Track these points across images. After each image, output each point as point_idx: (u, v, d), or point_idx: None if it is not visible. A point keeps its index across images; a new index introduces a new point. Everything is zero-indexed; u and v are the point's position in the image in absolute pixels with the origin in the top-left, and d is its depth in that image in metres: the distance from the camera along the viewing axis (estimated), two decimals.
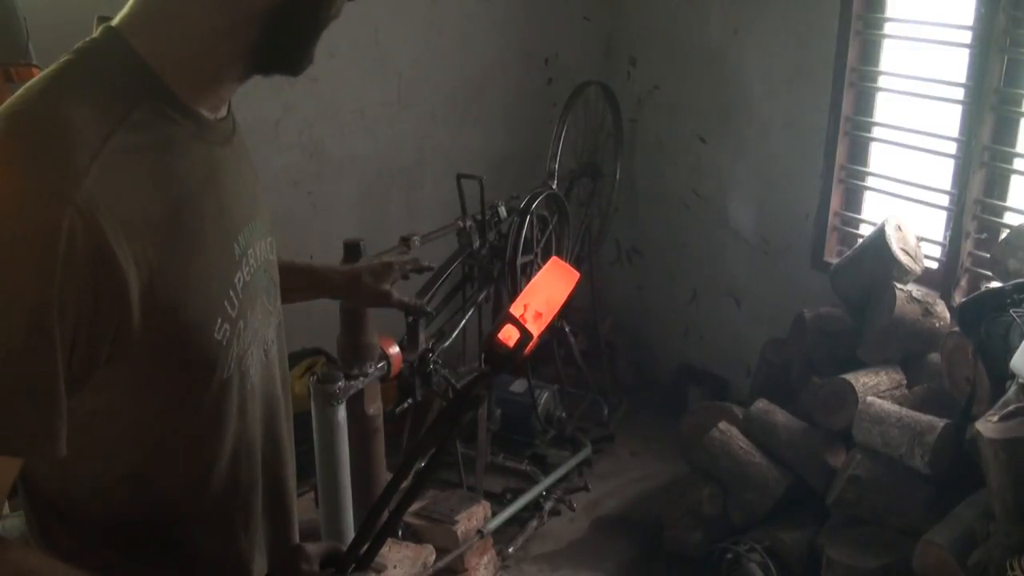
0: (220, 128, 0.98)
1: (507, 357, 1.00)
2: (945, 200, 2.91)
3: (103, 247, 0.80)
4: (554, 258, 1.13)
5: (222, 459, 1.00)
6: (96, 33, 0.90)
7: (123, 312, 0.84)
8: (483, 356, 1.02)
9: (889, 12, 2.99)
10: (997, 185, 2.79)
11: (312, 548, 1.04)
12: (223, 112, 1.00)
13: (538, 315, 1.02)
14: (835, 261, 3.09)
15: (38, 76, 0.87)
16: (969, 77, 2.75)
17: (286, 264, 1.26)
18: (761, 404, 2.91)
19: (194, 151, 0.93)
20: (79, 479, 0.94)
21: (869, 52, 3.05)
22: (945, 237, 2.91)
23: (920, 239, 2.91)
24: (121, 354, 0.85)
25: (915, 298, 2.77)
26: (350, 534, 2.31)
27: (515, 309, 1.01)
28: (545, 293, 1.04)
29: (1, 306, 0.78)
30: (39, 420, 0.81)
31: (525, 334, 0.99)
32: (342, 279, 1.58)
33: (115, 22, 0.90)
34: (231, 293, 0.96)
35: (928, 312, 2.76)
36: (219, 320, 0.94)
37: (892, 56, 3.02)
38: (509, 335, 0.99)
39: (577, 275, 1.10)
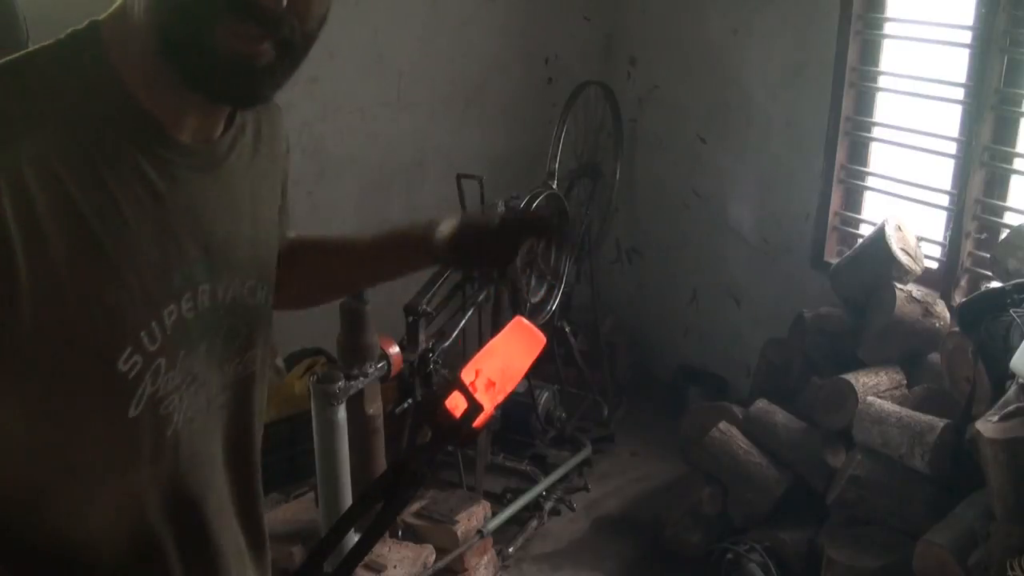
0: (200, 151, 0.91)
1: (453, 429, 0.88)
2: (945, 200, 2.91)
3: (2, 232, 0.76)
4: (517, 318, 0.99)
5: (122, 509, 0.90)
6: (82, 25, 0.88)
7: (9, 312, 0.77)
8: (428, 426, 0.90)
9: (889, 12, 2.99)
10: (997, 185, 2.79)
11: None
12: (215, 133, 0.93)
13: (491, 384, 0.90)
14: (835, 261, 3.09)
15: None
16: (969, 77, 2.75)
17: (350, 241, 1.23)
18: (761, 404, 2.91)
19: (145, 167, 0.85)
20: None
21: (869, 52, 3.05)
22: (945, 237, 2.91)
23: (920, 239, 2.91)
24: (5, 362, 0.79)
25: (915, 298, 2.77)
26: (350, 534, 2.31)
27: (466, 374, 0.89)
28: (502, 359, 0.92)
29: None
30: None
31: (474, 405, 0.87)
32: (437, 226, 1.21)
33: (103, 15, 0.87)
34: (153, 325, 0.86)
35: (928, 312, 2.76)
36: (128, 350, 0.85)
37: (892, 56, 3.02)
38: (456, 404, 0.88)
39: (543, 340, 0.97)
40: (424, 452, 0.91)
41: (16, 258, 0.77)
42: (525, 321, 0.99)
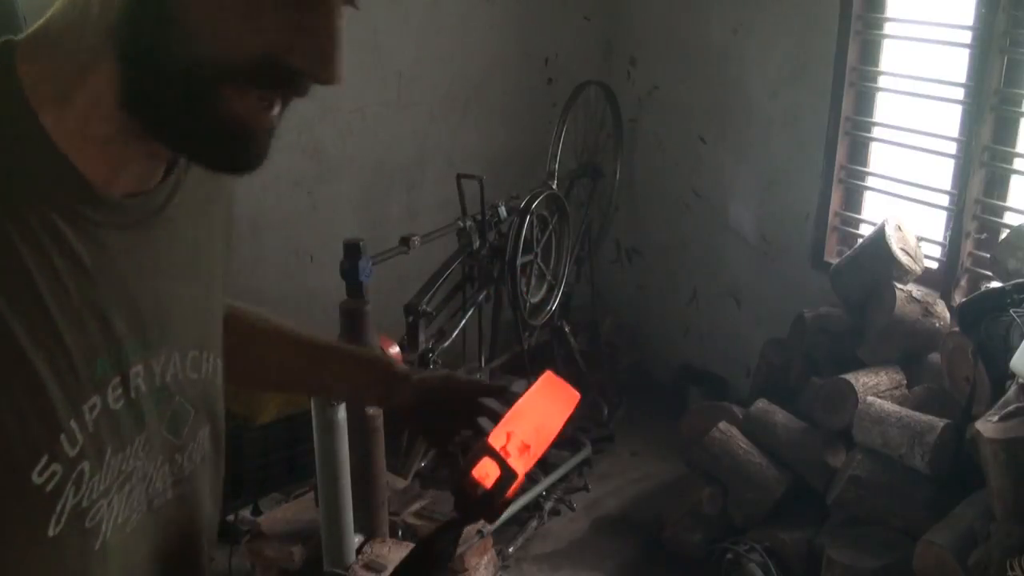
0: (133, 207, 0.74)
1: (484, 501, 0.77)
2: (945, 200, 2.91)
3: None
4: (548, 373, 0.90)
5: None
6: None
7: None
8: (454, 499, 0.79)
9: (889, 12, 2.99)
10: (997, 185, 2.79)
11: None
12: (154, 182, 0.76)
13: (525, 447, 0.78)
14: (835, 261, 3.09)
15: None
16: (969, 77, 2.75)
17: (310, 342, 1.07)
18: (761, 404, 2.91)
19: (67, 234, 0.68)
20: None
21: (869, 52, 3.05)
22: (945, 237, 2.91)
23: (920, 239, 2.91)
24: None
25: (915, 298, 2.77)
26: (350, 534, 2.31)
27: (495, 439, 0.78)
28: (536, 418, 0.81)
29: None
30: None
31: (507, 472, 0.77)
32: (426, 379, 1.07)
33: (20, 36, 0.70)
34: (72, 424, 0.70)
35: (928, 312, 2.76)
36: (43, 459, 0.68)
37: (892, 56, 3.02)
38: (486, 472, 0.77)
39: (578, 396, 0.88)
40: (450, 531, 0.82)
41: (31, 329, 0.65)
42: (556, 376, 0.89)
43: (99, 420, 0.72)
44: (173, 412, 0.81)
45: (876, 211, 3.15)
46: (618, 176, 3.71)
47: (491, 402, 0.94)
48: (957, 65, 2.80)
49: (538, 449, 0.80)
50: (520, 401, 0.82)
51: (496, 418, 0.89)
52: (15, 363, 0.66)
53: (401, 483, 2.81)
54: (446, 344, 2.62)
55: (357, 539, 2.36)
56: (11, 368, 0.66)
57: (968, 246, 2.83)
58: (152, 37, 0.64)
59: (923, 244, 2.91)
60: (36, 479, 0.68)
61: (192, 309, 0.83)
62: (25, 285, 0.66)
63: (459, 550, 2.59)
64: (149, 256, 0.77)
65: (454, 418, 0.99)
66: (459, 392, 1.01)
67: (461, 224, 2.70)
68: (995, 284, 2.55)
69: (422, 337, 2.46)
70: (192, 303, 0.83)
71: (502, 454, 0.78)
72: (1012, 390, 2.19)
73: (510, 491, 0.78)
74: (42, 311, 0.67)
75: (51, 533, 0.70)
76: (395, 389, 1.02)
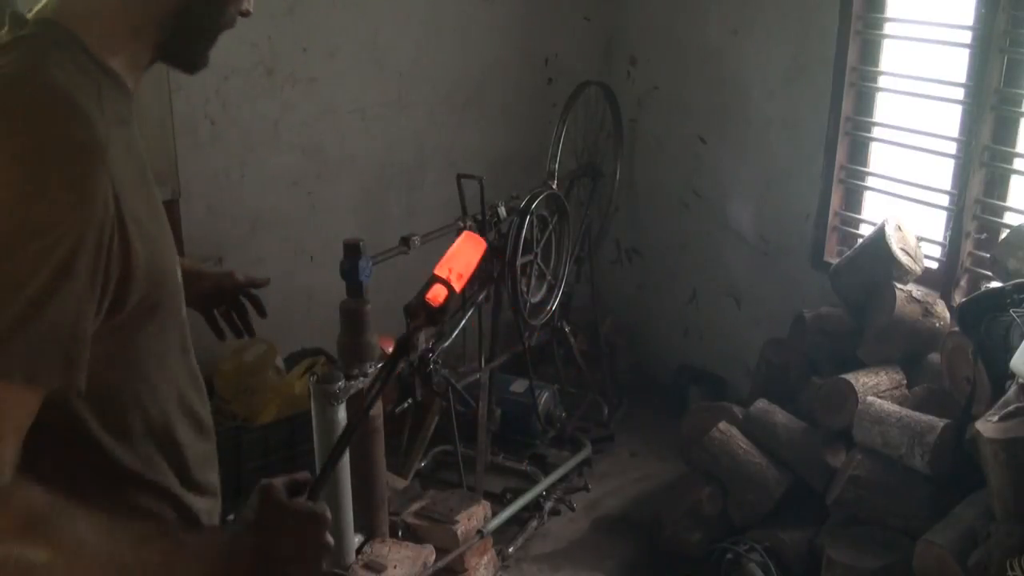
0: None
1: (439, 311, 1.14)
2: (945, 200, 2.91)
3: (118, 206, 0.91)
4: (466, 232, 1.25)
5: (177, 392, 1.11)
6: (33, 27, 0.98)
7: (127, 263, 0.93)
8: (410, 312, 1.14)
9: (889, 12, 2.99)
10: (997, 185, 2.79)
11: (278, 481, 1.08)
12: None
13: (460, 276, 1.15)
14: (835, 261, 3.09)
15: (17, 56, 0.94)
16: (969, 77, 2.75)
17: None
18: (761, 404, 2.91)
19: (134, 125, 1.04)
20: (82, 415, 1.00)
21: (869, 52, 3.05)
22: (945, 237, 2.91)
23: (920, 239, 2.91)
24: (119, 303, 0.94)
25: (915, 298, 2.77)
26: (350, 534, 2.31)
27: (440, 271, 1.15)
28: (464, 259, 1.17)
29: (43, 242, 0.84)
30: (68, 355, 0.87)
31: (452, 292, 1.14)
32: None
33: (49, 15, 0.99)
34: (177, 268, 1.08)
35: (928, 312, 2.76)
36: (176, 265, 1.07)
37: (892, 56, 3.02)
38: (438, 294, 1.13)
39: (484, 244, 1.23)
40: (415, 330, 1.15)
41: (134, 243, 0.93)
42: (472, 232, 1.24)
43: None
44: None
45: (876, 211, 3.15)
46: (618, 176, 3.71)
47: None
48: (957, 65, 2.80)
49: (466, 277, 1.17)
50: (452, 248, 1.19)
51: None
52: (155, 200, 1.03)
53: (401, 483, 2.81)
54: (446, 344, 2.62)
55: (357, 539, 2.37)
56: (155, 204, 1.03)
57: (968, 246, 2.83)
58: None
59: (923, 244, 2.91)
60: (179, 279, 1.08)
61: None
62: (139, 153, 1.02)
63: (459, 550, 2.59)
64: (137, 147, 1.06)
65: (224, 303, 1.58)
66: (229, 287, 1.56)
67: (461, 224, 2.70)
68: (995, 284, 2.55)
69: (422, 337, 2.45)
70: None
71: (448, 281, 1.13)
72: (1012, 390, 2.19)
73: (453, 303, 1.15)
74: (148, 167, 1.04)
75: (183, 314, 1.12)
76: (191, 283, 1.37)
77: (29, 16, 1.00)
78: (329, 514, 1.08)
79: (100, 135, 0.91)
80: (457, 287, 1.15)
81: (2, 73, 0.92)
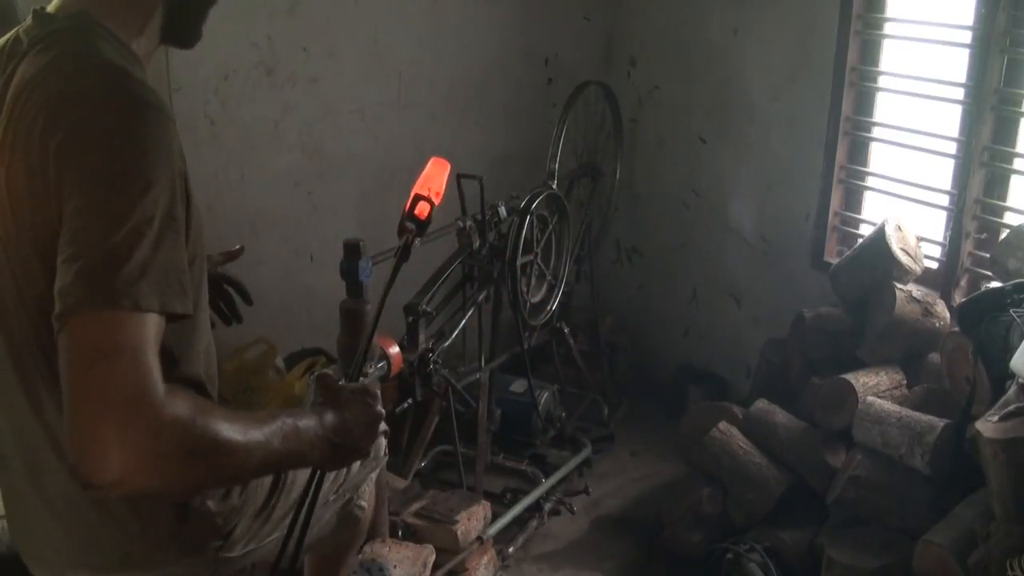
0: None
1: (427, 223, 1.41)
2: (945, 200, 2.91)
3: (183, 161, 1.09)
4: (433, 158, 1.46)
5: (207, 342, 1.32)
6: (67, 20, 1.11)
7: (188, 211, 1.10)
8: (402, 225, 1.41)
9: (889, 12, 2.99)
10: (997, 185, 2.79)
11: (328, 371, 1.34)
12: None
13: (437, 193, 1.41)
14: (835, 261, 3.09)
15: (70, 43, 1.09)
16: (969, 77, 2.75)
17: None
18: (761, 404, 2.91)
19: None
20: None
21: (869, 52, 3.05)
22: (945, 237, 2.91)
23: (920, 239, 2.91)
24: (186, 245, 1.10)
25: (915, 298, 2.77)
26: None
27: (420, 190, 1.41)
28: (437, 179, 1.42)
29: (152, 194, 1.01)
30: (183, 286, 1.04)
31: (433, 205, 1.40)
32: None
33: (75, 9, 1.13)
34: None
35: (928, 312, 2.76)
36: (202, 227, 1.20)
37: (892, 56, 3.02)
38: (423, 208, 1.39)
39: (448, 164, 1.46)
40: (410, 243, 1.41)
41: (192, 194, 1.11)
42: (439, 158, 1.46)
43: None
44: None
45: (876, 211, 3.15)
46: (618, 176, 3.71)
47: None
48: (957, 65, 2.80)
49: (441, 194, 1.42)
50: (425, 172, 1.43)
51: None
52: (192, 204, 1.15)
53: (401, 483, 2.81)
54: (446, 344, 2.62)
55: None
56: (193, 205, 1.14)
57: (968, 246, 2.83)
58: None
59: (923, 244, 2.91)
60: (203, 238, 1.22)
61: None
62: (179, 145, 1.10)
63: (460, 556, 2.59)
64: None
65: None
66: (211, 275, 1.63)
67: (461, 224, 2.70)
68: (995, 284, 2.55)
69: (422, 337, 2.45)
70: None
71: (429, 198, 1.40)
72: (1012, 390, 2.18)
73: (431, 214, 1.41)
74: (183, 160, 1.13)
75: (203, 306, 1.31)
76: None
77: (50, 10, 1.14)
78: (376, 389, 1.32)
79: (164, 100, 1.07)
80: (436, 202, 1.40)
81: (65, 57, 1.07)
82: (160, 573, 1.29)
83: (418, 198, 1.39)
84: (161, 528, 1.24)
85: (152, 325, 0.99)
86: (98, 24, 1.11)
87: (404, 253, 1.38)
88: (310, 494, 1.29)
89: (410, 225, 1.38)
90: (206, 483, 1.14)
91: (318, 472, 1.29)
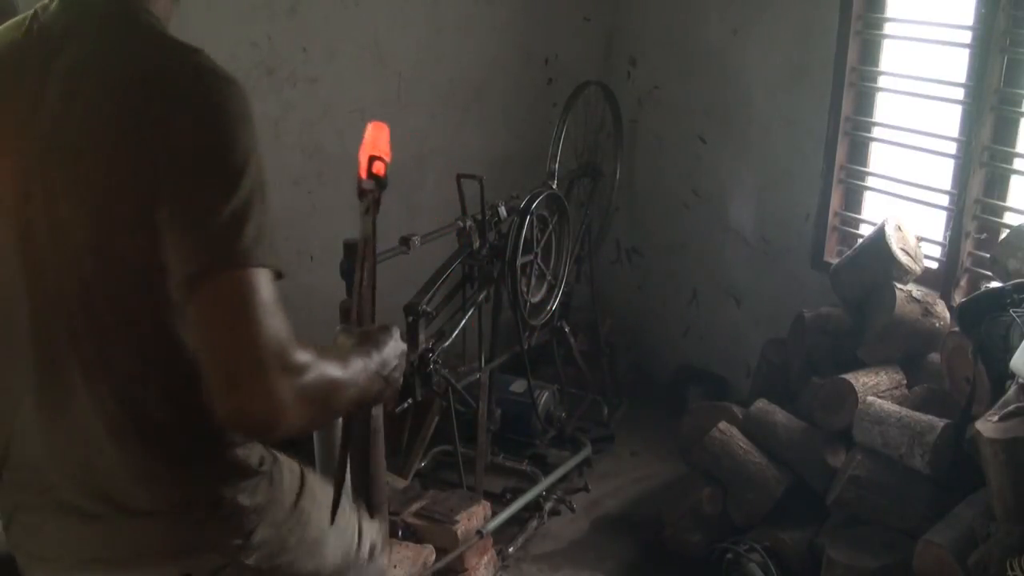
0: None
1: (385, 180, 1.46)
2: (945, 200, 2.91)
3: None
4: (371, 122, 1.51)
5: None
6: (108, 4, 1.14)
7: None
8: (361, 188, 1.46)
9: (889, 12, 2.99)
10: (997, 185, 2.79)
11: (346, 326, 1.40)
12: None
13: (386, 153, 1.48)
14: (835, 261, 3.09)
15: (152, 35, 1.14)
16: (969, 77, 2.75)
17: None
18: (761, 404, 2.91)
19: None
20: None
21: (869, 52, 3.05)
22: (945, 237, 2.91)
23: (920, 239, 2.91)
24: None
25: (915, 298, 2.77)
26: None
27: (375, 152, 1.48)
28: (381, 140, 1.50)
29: (253, 167, 1.09)
30: (279, 251, 1.11)
31: (386, 163, 1.46)
32: None
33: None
34: None
35: (928, 312, 2.76)
36: None
37: (892, 56, 3.02)
38: (379, 167, 1.45)
39: (386, 126, 1.51)
40: (376, 203, 1.47)
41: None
42: (377, 122, 1.50)
43: None
44: None
45: (876, 211, 3.15)
46: (618, 176, 3.71)
47: None
48: (957, 65, 2.80)
49: (388, 153, 1.48)
50: (367, 136, 1.48)
51: None
52: None
53: (401, 483, 2.81)
54: (446, 344, 2.62)
55: None
56: None
57: (968, 246, 2.83)
58: None
59: (923, 244, 2.91)
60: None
61: None
62: None
63: (459, 550, 2.59)
64: None
65: None
66: None
67: (461, 224, 2.70)
68: (995, 284, 2.55)
69: (422, 337, 2.46)
70: None
71: (382, 158, 1.45)
72: (1012, 390, 2.19)
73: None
74: None
75: None
76: None
77: None
78: (395, 327, 1.39)
79: None
80: (387, 159, 1.47)
81: (128, 38, 1.12)
82: (175, 569, 1.27)
83: (373, 158, 1.47)
84: (190, 517, 1.23)
85: (272, 285, 1.08)
86: (143, 7, 1.15)
87: (375, 207, 1.47)
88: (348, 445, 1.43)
89: (370, 185, 1.45)
90: (325, 418, 1.39)
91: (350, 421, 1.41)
